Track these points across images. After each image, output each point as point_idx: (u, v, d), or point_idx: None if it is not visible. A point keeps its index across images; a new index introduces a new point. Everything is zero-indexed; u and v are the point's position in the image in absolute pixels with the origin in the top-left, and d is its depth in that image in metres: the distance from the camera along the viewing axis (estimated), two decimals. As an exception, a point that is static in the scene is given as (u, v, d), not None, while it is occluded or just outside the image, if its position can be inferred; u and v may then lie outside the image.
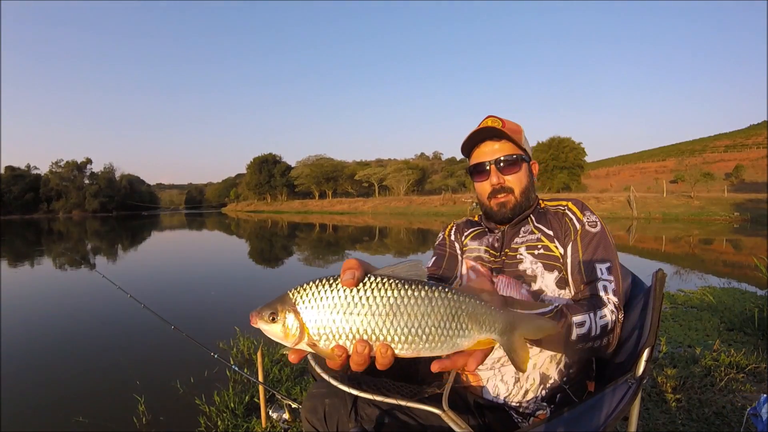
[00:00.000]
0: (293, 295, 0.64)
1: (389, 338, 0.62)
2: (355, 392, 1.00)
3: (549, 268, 1.16)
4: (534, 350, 1.13)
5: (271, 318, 0.64)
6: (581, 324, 1.00)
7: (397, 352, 0.63)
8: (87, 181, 75.56)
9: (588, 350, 1.03)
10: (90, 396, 3.05)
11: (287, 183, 71.66)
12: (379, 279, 0.63)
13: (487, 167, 1.27)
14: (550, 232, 1.22)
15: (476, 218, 1.44)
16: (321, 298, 0.62)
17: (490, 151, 1.27)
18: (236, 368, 2.28)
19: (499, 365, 1.17)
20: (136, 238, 20.86)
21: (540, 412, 1.13)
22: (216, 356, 2.29)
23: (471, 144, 1.31)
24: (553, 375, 1.14)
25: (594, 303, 1.05)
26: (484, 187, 1.29)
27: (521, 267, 1.18)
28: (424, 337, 0.62)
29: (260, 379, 2.35)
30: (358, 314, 0.61)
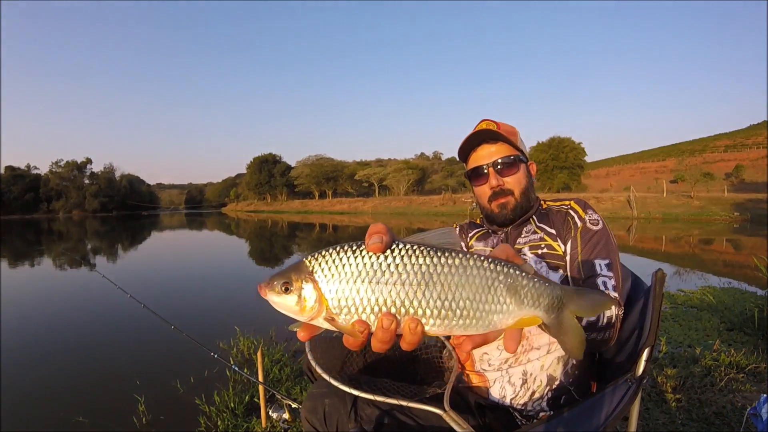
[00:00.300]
0: (310, 262, 0.56)
1: (420, 312, 0.54)
2: (355, 392, 1.00)
3: (553, 267, 1.16)
4: (542, 351, 1.13)
5: (283, 288, 0.55)
6: None
7: (427, 328, 0.55)
8: (87, 181, 75.54)
9: (591, 342, 1.03)
10: (90, 396, 3.05)
11: (287, 183, 71.64)
12: (408, 246, 0.55)
13: (486, 170, 1.27)
14: (553, 231, 1.22)
15: (478, 221, 1.44)
16: (343, 265, 0.54)
17: (487, 154, 1.27)
18: (236, 368, 2.28)
19: (506, 366, 1.16)
20: (136, 238, 20.85)
21: (543, 413, 1.13)
22: (216, 356, 2.29)
23: (467, 148, 1.31)
24: (560, 376, 1.13)
25: None
26: (483, 190, 1.29)
27: None
28: (458, 312, 0.54)
29: (260, 379, 2.35)
30: (386, 284, 0.53)
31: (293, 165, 72.93)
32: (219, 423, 2.46)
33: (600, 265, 1.10)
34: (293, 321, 0.59)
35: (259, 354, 2.40)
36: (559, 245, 1.18)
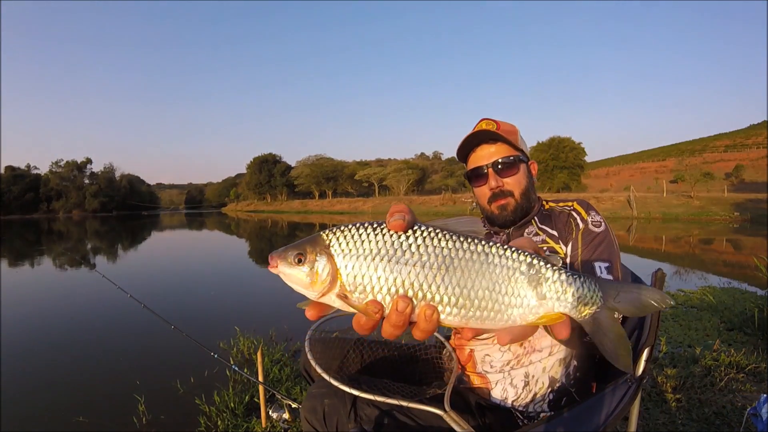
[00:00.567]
0: (327, 236, 0.53)
1: (437, 298, 0.51)
2: (355, 392, 1.00)
3: None
4: (543, 353, 1.12)
5: (296, 259, 0.52)
6: None
7: (443, 317, 0.52)
8: (87, 181, 75.62)
9: (591, 344, 1.02)
10: (90, 396, 3.04)
11: (287, 183, 71.63)
12: (431, 228, 0.52)
13: (485, 171, 1.25)
14: (555, 233, 1.21)
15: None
16: (362, 241, 0.52)
17: (486, 155, 1.26)
18: (236, 368, 2.28)
19: (509, 368, 1.16)
20: (136, 238, 20.84)
21: (544, 414, 1.13)
22: (216, 356, 2.29)
23: (467, 148, 1.30)
24: (561, 378, 1.13)
25: None
26: (483, 191, 1.28)
27: None
28: (476, 302, 0.51)
29: (260, 379, 2.35)
30: (406, 264, 0.50)
31: (293, 165, 72.93)
32: (219, 423, 2.46)
33: (600, 267, 1.09)
34: (303, 299, 0.55)
35: (259, 354, 2.40)
36: (561, 248, 1.17)
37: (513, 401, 1.14)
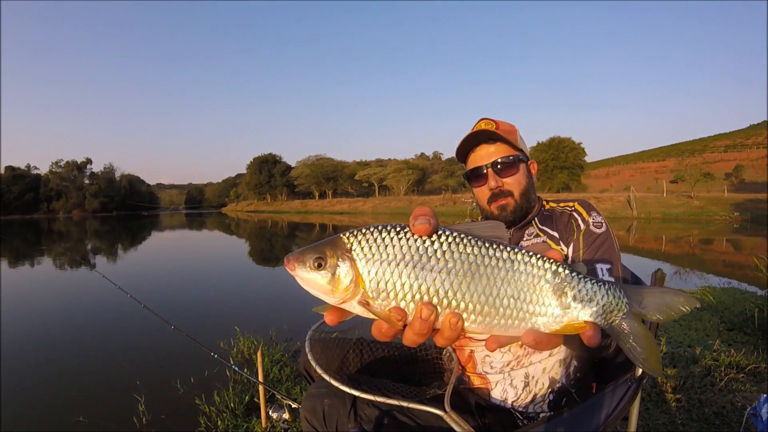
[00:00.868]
0: (348, 239, 0.51)
1: (462, 305, 0.49)
2: (355, 393, 1.00)
3: None
4: (543, 354, 1.12)
5: (316, 264, 0.50)
6: None
7: (467, 325, 0.50)
8: (87, 181, 75.61)
9: (591, 347, 1.02)
10: (90, 396, 3.05)
11: (287, 183, 71.64)
12: (456, 233, 0.51)
13: (484, 171, 1.25)
14: (555, 234, 1.20)
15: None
16: (386, 245, 0.49)
17: (486, 155, 1.25)
18: (236, 368, 2.28)
19: (509, 369, 1.16)
20: (136, 238, 20.85)
21: (544, 415, 1.13)
22: (216, 356, 2.29)
23: (466, 149, 1.29)
24: (561, 378, 1.13)
25: None
26: (482, 191, 1.27)
27: None
28: (500, 310, 0.50)
29: (260, 379, 2.35)
30: (431, 270, 0.49)
31: (293, 165, 72.93)
32: (219, 423, 2.46)
33: (602, 269, 1.09)
34: (319, 302, 0.53)
35: (259, 354, 2.40)
36: (561, 249, 1.17)
37: (513, 402, 1.14)
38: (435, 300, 0.49)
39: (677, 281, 6.59)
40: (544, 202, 1.32)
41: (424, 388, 1.20)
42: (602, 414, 0.93)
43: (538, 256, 0.52)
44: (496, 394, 1.16)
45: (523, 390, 1.13)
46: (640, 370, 1.00)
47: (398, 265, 0.49)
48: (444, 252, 0.49)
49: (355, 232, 0.51)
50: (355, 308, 0.50)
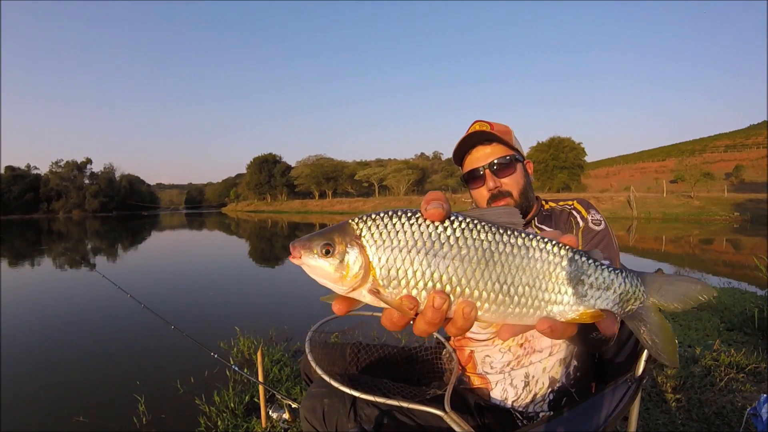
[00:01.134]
0: (357, 225, 0.49)
1: (476, 294, 0.48)
2: (355, 393, 1.00)
3: None
4: (544, 353, 1.13)
5: (324, 251, 0.48)
6: None
7: (480, 314, 0.48)
8: (87, 181, 75.59)
9: (591, 342, 1.02)
10: (90, 396, 3.05)
11: (287, 183, 71.62)
12: (469, 219, 0.49)
13: (482, 172, 1.25)
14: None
15: None
16: (397, 231, 0.48)
17: (482, 156, 1.25)
18: (236, 368, 2.28)
19: (509, 369, 1.16)
20: (136, 238, 20.85)
21: (544, 414, 1.13)
22: (216, 356, 2.29)
23: (462, 151, 1.29)
24: (562, 378, 1.13)
25: None
26: (481, 193, 1.27)
27: None
28: (515, 298, 0.48)
29: (260, 379, 2.35)
30: (444, 257, 0.47)
31: (293, 165, 72.91)
32: (219, 423, 2.46)
33: None
34: (326, 291, 0.51)
35: (259, 354, 2.40)
36: None
37: (513, 402, 1.14)
38: (448, 288, 0.47)
39: (677, 281, 6.58)
40: (543, 202, 1.32)
41: (423, 388, 1.20)
42: (602, 414, 0.93)
43: (554, 242, 0.50)
44: (496, 394, 1.16)
45: (523, 390, 1.13)
46: (641, 370, 1.00)
47: (410, 251, 0.47)
48: (457, 238, 0.48)
49: (364, 218, 0.49)
50: (365, 297, 0.48)
